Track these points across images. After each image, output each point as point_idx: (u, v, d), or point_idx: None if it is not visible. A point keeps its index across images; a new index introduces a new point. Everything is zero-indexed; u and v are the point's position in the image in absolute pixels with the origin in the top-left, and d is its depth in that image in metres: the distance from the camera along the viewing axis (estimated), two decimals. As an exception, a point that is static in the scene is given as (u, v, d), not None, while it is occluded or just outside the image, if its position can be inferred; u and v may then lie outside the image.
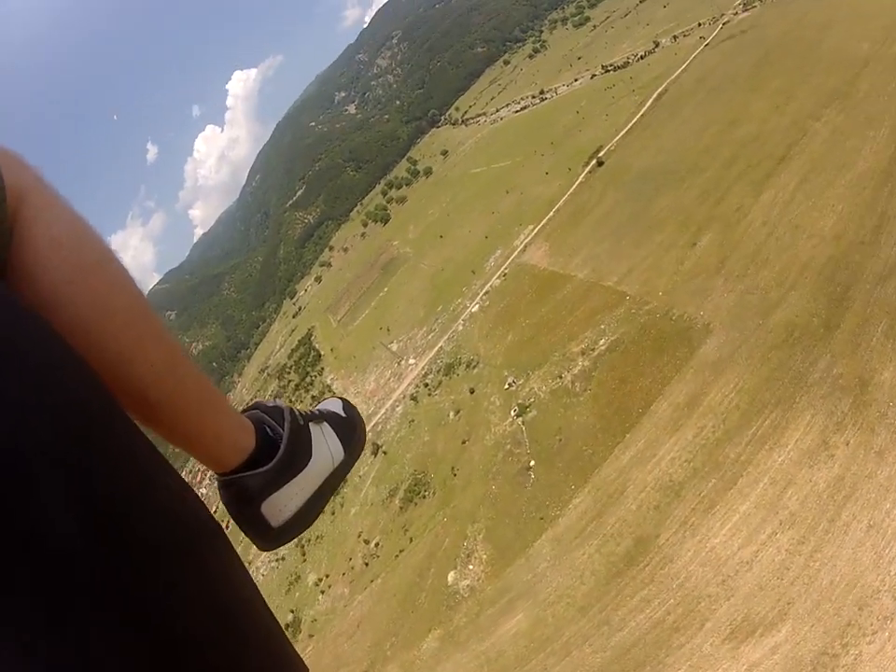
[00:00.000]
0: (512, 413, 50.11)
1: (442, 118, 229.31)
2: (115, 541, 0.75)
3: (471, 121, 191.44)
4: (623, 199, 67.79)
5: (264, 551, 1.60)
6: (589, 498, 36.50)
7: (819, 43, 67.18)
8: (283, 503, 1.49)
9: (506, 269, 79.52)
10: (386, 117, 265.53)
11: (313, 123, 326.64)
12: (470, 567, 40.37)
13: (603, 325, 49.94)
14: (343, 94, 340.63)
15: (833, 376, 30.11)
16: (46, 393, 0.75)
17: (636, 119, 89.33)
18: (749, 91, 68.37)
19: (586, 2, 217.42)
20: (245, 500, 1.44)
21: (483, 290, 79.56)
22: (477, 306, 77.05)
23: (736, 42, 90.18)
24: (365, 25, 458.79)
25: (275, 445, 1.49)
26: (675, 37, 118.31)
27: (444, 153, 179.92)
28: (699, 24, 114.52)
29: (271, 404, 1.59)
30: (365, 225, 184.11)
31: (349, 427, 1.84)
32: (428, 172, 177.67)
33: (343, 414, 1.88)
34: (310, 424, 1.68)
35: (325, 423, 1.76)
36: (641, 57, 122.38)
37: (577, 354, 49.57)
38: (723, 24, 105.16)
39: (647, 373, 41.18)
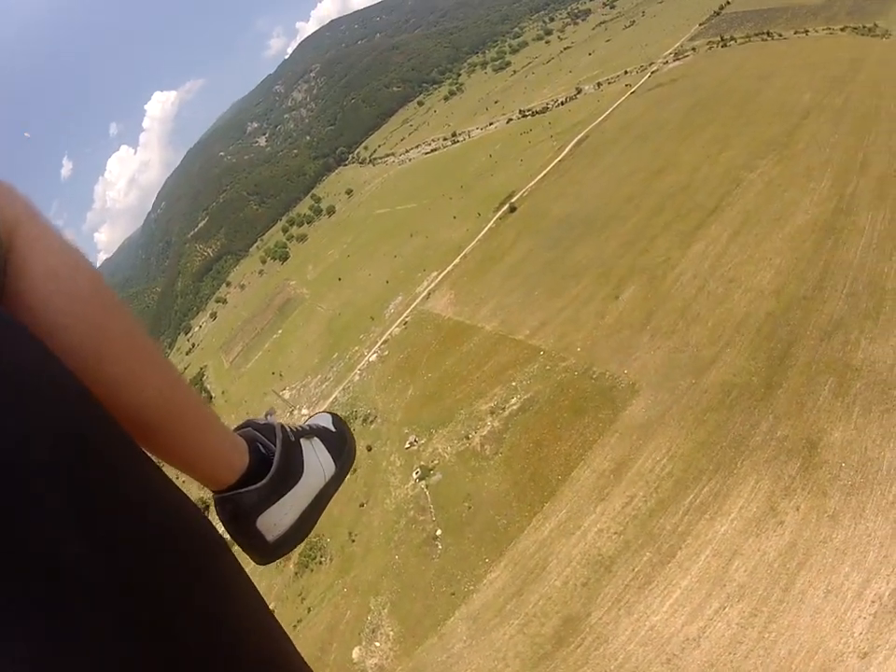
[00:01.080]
0: (415, 476, 46.48)
1: (350, 156, 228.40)
2: (118, 557, 0.76)
3: (379, 161, 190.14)
4: (537, 246, 64.91)
5: (262, 564, 1.66)
6: (506, 573, 33.59)
7: (757, 93, 67.40)
8: (277, 518, 1.57)
9: (407, 316, 74.16)
10: (295, 151, 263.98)
11: (223, 153, 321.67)
12: (377, 643, 36.54)
13: (514, 382, 46.43)
14: (256, 125, 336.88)
15: (778, 438, 29.86)
16: (44, 413, 0.77)
17: (553, 165, 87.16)
18: (679, 139, 67.29)
19: (508, 47, 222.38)
20: (240, 516, 1.51)
21: (383, 339, 73.64)
22: (375, 355, 71.11)
23: (666, 90, 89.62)
24: (287, 56, 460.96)
25: (268, 462, 1.57)
26: (599, 84, 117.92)
27: (349, 192, 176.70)
28: (625, 72, 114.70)
29: (262, 422, 1.67)
30: (263, 262, 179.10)
31: (339, 442, 1.95)
32: (331, 210, 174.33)
33: (333, 429, 1.99)
34: (301, 440, 1.77)
35: (315, 438, 1.85)
36: (562, 103, 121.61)
37: (485, 413, 45.67)
38: (652, 73, 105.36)
39: (566, 437, 38.73)
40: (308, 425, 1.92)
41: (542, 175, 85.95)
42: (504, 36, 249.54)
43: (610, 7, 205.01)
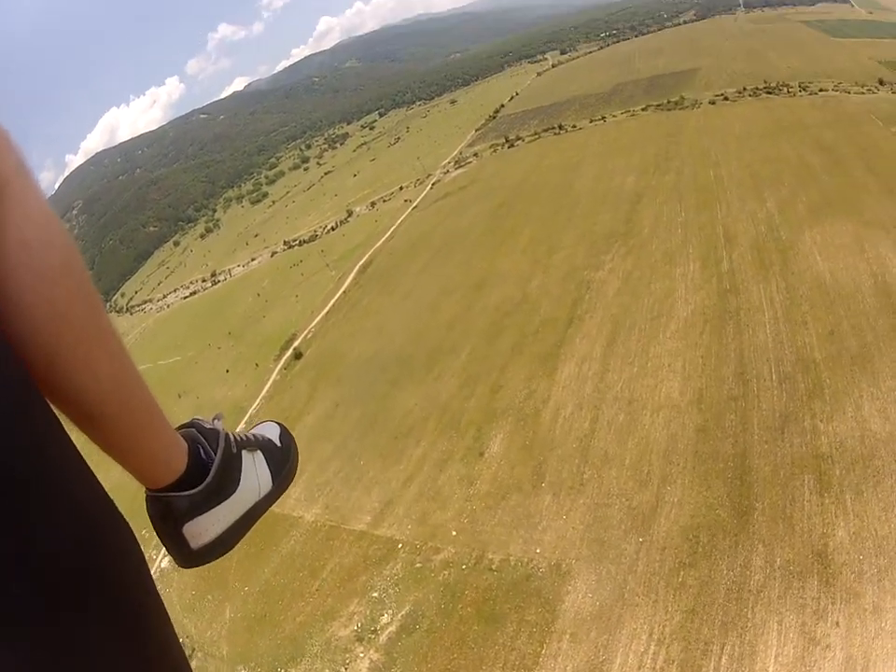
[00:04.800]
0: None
1: (107, 304, 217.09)
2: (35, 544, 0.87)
3: (136, 309, 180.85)
4: (343, 399, 56.06)
5: (183, 567, 1.66)
6: None
7: (569, 186, 66.62)
8: (205, 527, 1.57)
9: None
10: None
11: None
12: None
13: (375, 592, 36.30)
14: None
15: (781, 567, 26.65)
16: None
17: (337, 297, 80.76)
18: (492, 248, 64.13)
19: (264, 178, 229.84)
20: (168, 519, 1.52)
21: None
22: (166, 560, 55.08)
23: (456, 199, 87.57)
24: (52, 192, 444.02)
25: (206, 468, 1.58)
26: (373, 204, 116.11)
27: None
28: (401, 188, 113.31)
29: (208, 426, 1.68)
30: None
31: (282, 459, 1.97)
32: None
33: (279, 444, 2.00)
34: (243, 451, 1.78)
35: (258, 451, 1.87)
36: (333, 228, 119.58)
37: (350, 640, 34.86)
38: (433, 184, 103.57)
39: (491, 657, 29.56)
40: (253, 434, 1.92)
41: (327, 310, 79.01)
42: (260, 168, 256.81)
43: (369, 129, 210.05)
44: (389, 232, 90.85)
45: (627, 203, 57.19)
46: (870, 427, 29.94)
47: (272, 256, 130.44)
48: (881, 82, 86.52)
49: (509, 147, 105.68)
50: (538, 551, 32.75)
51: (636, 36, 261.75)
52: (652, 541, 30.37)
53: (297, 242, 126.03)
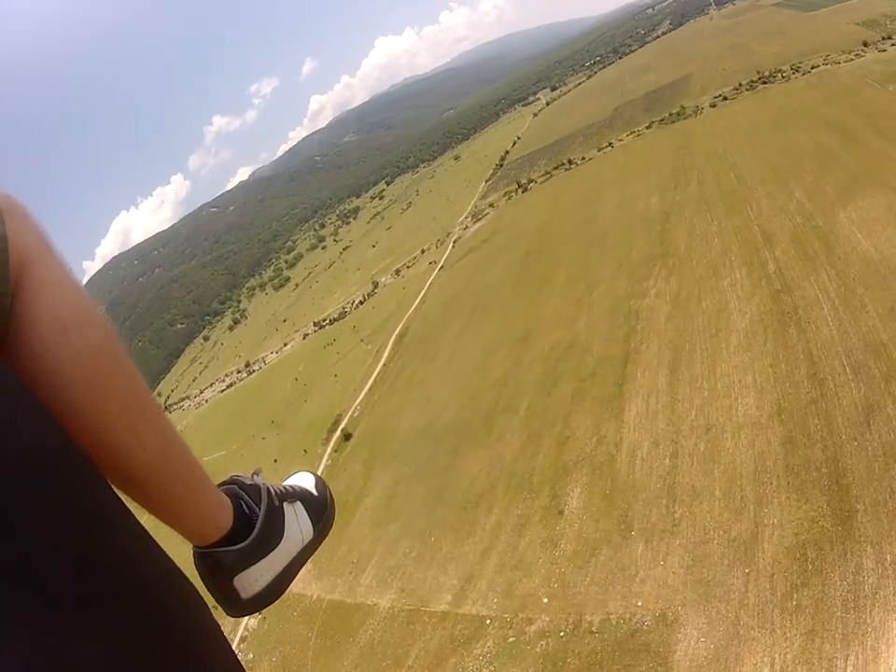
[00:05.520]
0: None
1: None
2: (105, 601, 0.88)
3: (175, 407, 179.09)
4: (402, 476, 54.05)
5: (233, 617, 1.74)
6: None
7: (593, 218, 65.90)
8: (254, 578, 1.65)
9: (259, 607, 58.79)
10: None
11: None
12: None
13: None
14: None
15: (892, 563, 24.94)
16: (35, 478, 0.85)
17: (377, 372, 79.10)
18: (529, 297, 62.98)
19: (284, 263, 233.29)
20: (219, 573, 1.60)
21: (238, 634, 56.21)
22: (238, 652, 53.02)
23: (481, 253, 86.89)
24: None
25: (250, 522, 1.65)
26: (397, 271, 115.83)
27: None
28: (422, 251, 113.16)
29: (249, 482, 1.75)
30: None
31: (320, 507, 2.03)
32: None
33: (315, 493, 2.07)
34: (284, 503, 1.85)
35: (298, 502, 1.93)
36: (361, 302, 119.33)
37: None
38: (454, 242, 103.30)
39: None
40: (291, 486, 1.98)
41: (368, 386, 77.49)
42: (278, 253, 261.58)
43: (379, 199, 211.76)
44: (420, 297, 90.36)
45: (657, 224, 56.52)
46: (955, 396, 28.91)
47: (304, 339, 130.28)
48: (865, 44, 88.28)
49: (523, 192, 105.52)
50: (639, 604, 30.94)
51: (619, 58, 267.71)
52: (759, 570, 28.66)
53: (327, 321, 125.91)
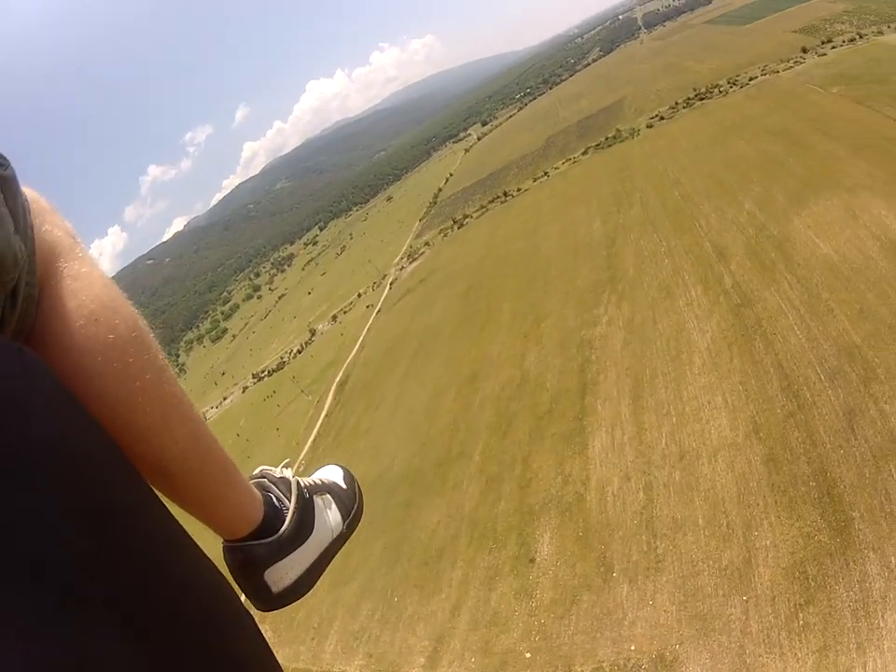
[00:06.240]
0: None
1: None
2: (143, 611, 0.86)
3: None
4: (356, 533, 48.56)
5: (263, 611, 1.74)
6: None
7: (535, 250, 65.75)
8: (284, 571, 1.67)
9: None
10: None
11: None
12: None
13: None
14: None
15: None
16: (70, 479, 0.83)
17: (321, 422, 76.73)
18: (473, 335, 61.29)
19: (220, 314, 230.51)
20: (249, 567, 1.61)
21: None
22: None
23: (420, 293, 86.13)
24: None
25: (280, 515, 1.67)
26: (334, 317, 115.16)
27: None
28: (359, 295, 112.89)
29: (278, 475, 1.79)
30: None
31: (349, 500, 2.07)
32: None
33: (344, 486, 2.12)
34: (314, 496, 1.88)
35: (327, 495, 1.97)
36: (299, 351, 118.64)
37: None
38: (391, 283, 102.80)
39: None
40: (321, 479, 2.03)
41: (312, 438, 74.84)
42: (214, 304, 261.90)
43: (313, 245, 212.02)
44: (359, 343, 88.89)
45: (602, 249, 55.81)
46: (937, 388, 28.36)
47: (243, 392, 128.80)
48: (804, 50, 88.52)
49: (459, 228, 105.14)
50: (632, 648, 28.42)
51: (550, 88, 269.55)
52: (759, 595, 26.68)
53: (265, 372, 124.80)
